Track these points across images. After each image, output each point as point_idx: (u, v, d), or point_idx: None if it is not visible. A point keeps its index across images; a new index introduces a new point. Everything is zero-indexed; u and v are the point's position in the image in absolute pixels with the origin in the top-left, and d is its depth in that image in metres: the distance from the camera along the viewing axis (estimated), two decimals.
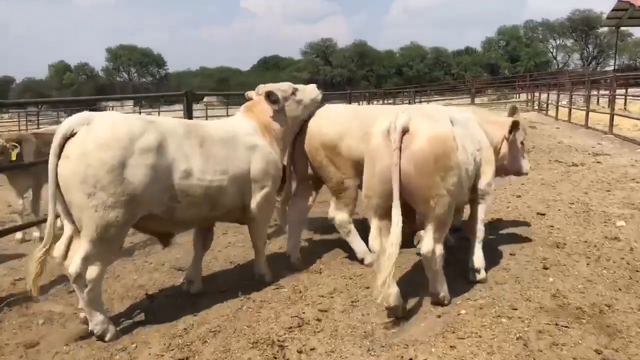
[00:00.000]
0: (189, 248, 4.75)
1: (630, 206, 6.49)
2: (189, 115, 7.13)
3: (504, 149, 4.71)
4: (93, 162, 3.32)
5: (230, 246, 5.69)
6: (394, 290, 3.56)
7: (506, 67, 66.05)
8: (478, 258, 4.31)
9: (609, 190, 7.48)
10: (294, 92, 4.69)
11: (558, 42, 70.68)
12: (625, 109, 20.95)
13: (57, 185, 3.41)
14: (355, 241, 4.92)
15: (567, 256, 4.74)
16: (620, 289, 3.99)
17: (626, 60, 65.14)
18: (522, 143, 4.82)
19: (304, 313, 3.82)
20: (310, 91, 4.85)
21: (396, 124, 3.52)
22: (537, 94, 30.97)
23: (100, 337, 3.54)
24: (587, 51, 68.90)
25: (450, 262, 4.07)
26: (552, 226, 5.74)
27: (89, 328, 3.55)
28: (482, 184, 4.30)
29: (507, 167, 4.81)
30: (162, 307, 4.12)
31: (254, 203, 4.27)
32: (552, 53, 71.04)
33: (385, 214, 3.61)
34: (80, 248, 3.43)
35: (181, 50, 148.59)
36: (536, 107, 29.46)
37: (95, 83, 75.38)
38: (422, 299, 3.94)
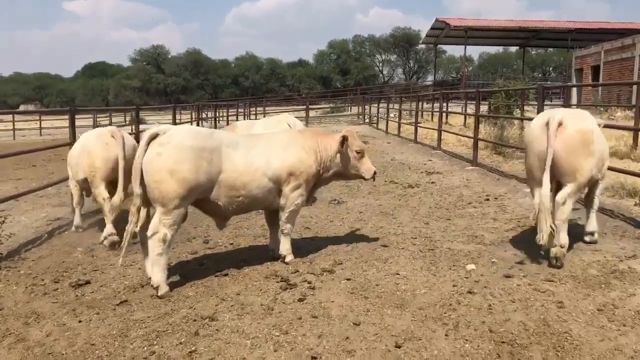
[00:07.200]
0: None
1: (474, 240, 5.94)
2: None
3: None
4: None
5: None
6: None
7: (337, 79, 68.43)
8: (592, 224, 5.64)
9: (449, 219, 6.98)
10: None
11: (383, 57, 75.17)
12: (447, 122, 22.01)
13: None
14: (160, 266, 4.50)
15: (421, 323, 3.84)
16: None
17: (442, 75, 71.37)
18: None
19: None
20: None
21: (554, 119, 4.98)
22: (367, 107, 31.85)
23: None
24: (408, 66, 74.19)
25: None
26: (397, 274, 4.88)
27: None
28: (603, 170, 5.45)
29: None
30: None
31: None
32: (378, 67, 75.34)
33: (540, 182, 4.97)
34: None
35: None
36: (367, 120, 30.22)
37: None
38: None
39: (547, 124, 5.04)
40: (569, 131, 5.00)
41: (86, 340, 3.75)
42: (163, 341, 3.70)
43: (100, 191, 6.37)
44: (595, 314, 3.87)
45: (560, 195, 5.01)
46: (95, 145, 6.41)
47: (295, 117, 10.32)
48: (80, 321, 4.08)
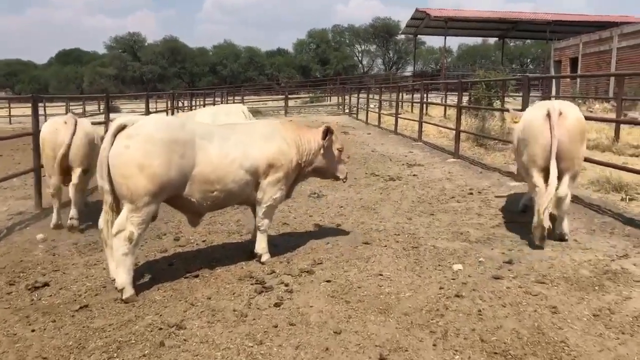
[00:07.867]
0: None
1: (460, 237, 5.69)
2: None
3: None
4: None
5: None
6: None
7: (317, 69, 67.93)
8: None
9: (432, 214, 6.71)
10: None
11: (363, 47, 74.77)
12: (427, 114, 21.80)
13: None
14: (125, 267, 4.11)
15: (406, 332, 3.55)
16: None
17: (421, 66, 71.33)
18: None
19: None
20: None
21: (555, 110, 5.13)
22: (347, 97, 31.52)
23: None
24: (388, 56, 73.96)
25: None
26: (380, 274, 4.59)
27: None
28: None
29: None
30: None
31: None
32: (358, 57, 74.95)
33: (542, 169, 5.17)
34: None
35: None
36: (347, 111, 29.91)
37: None
38: None
39: (548, 114, 5.15)
40: (570, 120, 5.19)
41: (38, 353, 3.37)
42: (124, 353, 3.35)
43: (53, 182, 6.28)
44: (592, 320, 3.63)
45: (561, 190, 5.14)
46: (45, 132, 6.33)
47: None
48: (33, 330, 3.70)
